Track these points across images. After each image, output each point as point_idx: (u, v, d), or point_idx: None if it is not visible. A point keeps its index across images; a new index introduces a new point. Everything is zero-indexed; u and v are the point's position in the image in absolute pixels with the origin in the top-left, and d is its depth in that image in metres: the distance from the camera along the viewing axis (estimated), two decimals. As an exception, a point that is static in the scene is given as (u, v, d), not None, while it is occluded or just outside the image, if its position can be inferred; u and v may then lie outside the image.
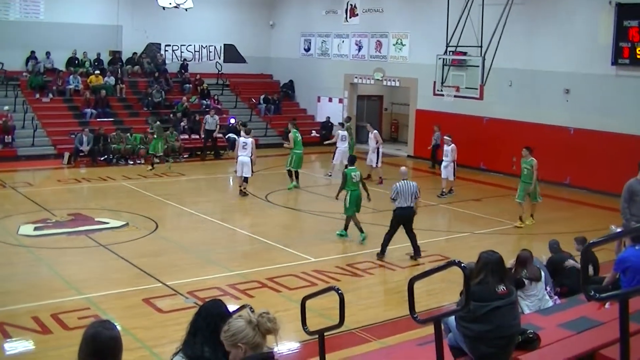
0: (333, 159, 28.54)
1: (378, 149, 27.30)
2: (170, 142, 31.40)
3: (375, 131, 28.00)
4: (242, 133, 24.87)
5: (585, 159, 26.34)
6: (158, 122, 29.90)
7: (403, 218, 17.25)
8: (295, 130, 26.22)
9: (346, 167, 20.64)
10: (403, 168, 18.10)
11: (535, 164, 20.82)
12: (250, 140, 24.27)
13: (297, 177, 25.86)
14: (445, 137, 25.54)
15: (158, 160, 29.62)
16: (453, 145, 24.99)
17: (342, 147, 27.97)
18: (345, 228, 19.14)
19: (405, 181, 17.34)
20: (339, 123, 30.95)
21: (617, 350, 5.98)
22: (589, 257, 10.48)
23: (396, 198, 17.14)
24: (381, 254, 17.38)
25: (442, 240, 19.65)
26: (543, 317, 9.65)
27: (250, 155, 24.02)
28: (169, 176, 28.10)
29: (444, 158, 25.31)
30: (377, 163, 27.27)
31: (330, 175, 28.21)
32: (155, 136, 29.20)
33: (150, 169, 28.69)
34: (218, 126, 32.74)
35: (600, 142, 26.08)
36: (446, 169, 25.12)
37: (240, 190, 24.42)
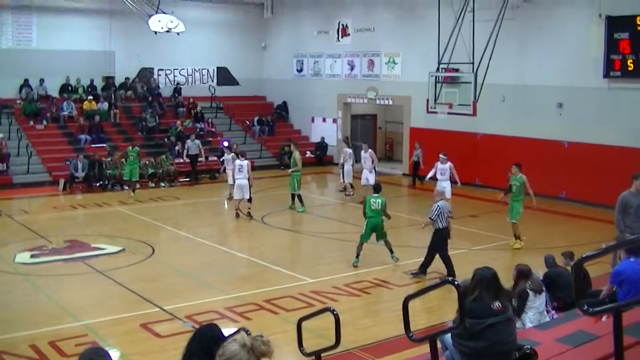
0: (343, 178, 28.76)
1: (374, 168, 27.27)
2: (165, 166, 31.46)
3: (370, 150, 27.93)
4: (236, 155, 24.96)
5: (580, 172, 26.39)
6: (137, 147, 29.73)
7: (440, 239, 17.25)
8: (296, 152, 26.18)
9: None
10: (439, 188, 17.97)
11: (525, 181, 20.57)
12: (246, 162, 24.34)
13: (299, 200, 25.78)
14: (440, 155, 25.14)
15: (139, 186, 29.67)
16: (450, 163, 24.60)
17: (349, 165, 28.30)
18: (357, 255, 18.83)
19: (443, 202, 17.34)
20: (344, 141, 31.21)
21: (613, 363, 6.00)
22: (581, 271, 10.49)
23: (436, 219, 17.11)
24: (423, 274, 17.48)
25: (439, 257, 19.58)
26: (540, 332, 9.66)
27: (247, 177, 24.09)
28: (165, 200, 28.10)
29: (438, 177, 24.50)
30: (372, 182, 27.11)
31: (352, 194, 28.54)
32: (126, 161, 29.12)
33: (132, 196, 28.53)
34: (201, 150, 32.38)
35: (595, 154, 26.15)
36: (447, 190, 24.00)
37: (247, 211, 24.43)
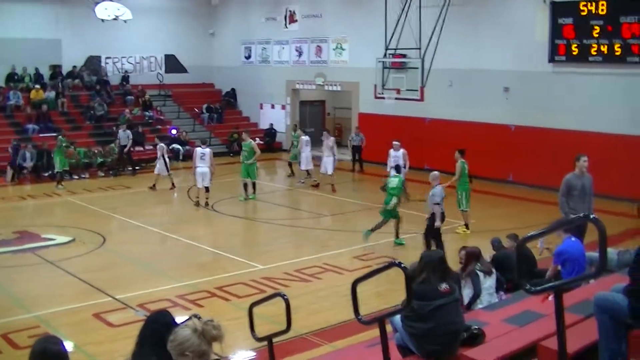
0: (300, 165, 28.80)
1: (333, 155, 27.40)
2: (114, 155, 31.29)
3: (332, 138, 28.07)
4: (200, 144, 24.99)
5: (526, 155, 26.74)
6: (60, 136, 29.54)
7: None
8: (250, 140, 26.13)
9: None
10: (435, 172, 18.06)
11: (459, 167, 20.67)
12: (208, 150, 24.52)
13: (252, 187, 25.81)
14: (394, 142, 25.16)
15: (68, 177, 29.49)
16: (403, 150, 24.75)
17: (307, 152, 28.32)
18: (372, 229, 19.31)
19: (439, 186, 17.46)
20: (301, 129, 31.52)
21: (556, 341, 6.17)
22: (524, 251, 10.70)
23: (441, 203, 17.23)
24: None
25: (390, 241, 19.75)
26: (488, 313, 9.84)
27: (209, 165, 24.12)
28: (114, 189, 27.96)
29: (392, 164, 23.96)
30: (331, 170, 27.26)
31: (304, 182, 28.71)
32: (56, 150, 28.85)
33: (62, 187, 28.22)
34: (131, 140, 31.84)
35: (541, 138, 26.50)
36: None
37: (205, 201, 24.43)
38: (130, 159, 31.93)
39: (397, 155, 24.56)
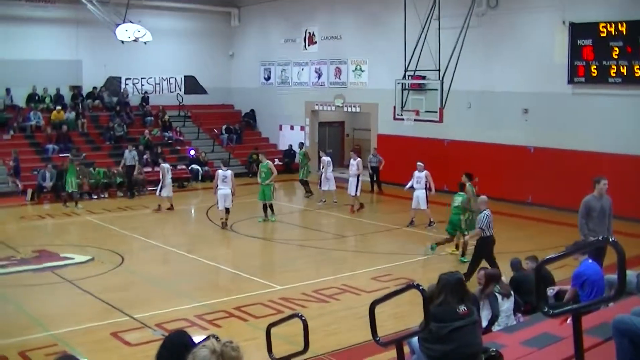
0: (321, 186, 29.03)
1: (358, 176, 27.32)
2: (136, 176, 31.37)
3: (359, 159, 27.98)
4: (221, 166, 24.97)
5: (545, 177, 26.62)
6: (70, 156, 29.69)
7: (490, 246, 17.30)
8: (267, 162, 26.20)
9: None
10: (484, 197, 18.01)
11: (469, 192, 20.33)
12: (229, 172, 24.51)
13: (269, 209, 25.80)
14: (418, 163, 24.95)
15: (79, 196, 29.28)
16: (426, 171, 24.41)
17: (328, 173, 28.76)
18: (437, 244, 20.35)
19: (488, 210, 17.42)
20: (322, 150, 31.58)
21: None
22: (543, 273, 10.67)
23: (485, 228, 17.18)
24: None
25: (408, 263, 19.75)
26: (506, 335, 9.79)
27: (230, 187, 24.18)
28: (133, 209, 28.04)
29: (415, 185, 24.40)
30: (356, 192, 27.19)
31: (325, 202, 29.00)
32: (67, 173, 28.76)
33: (75, 206, 28.28)
34: (137, 161, 31.74)
35: (560, 159, 26.41)
36: (421, 198, 24.35)
37: (223, 222, 24.34)
38: (130, 181, 31.49)
39: (420, 176, 24.31)
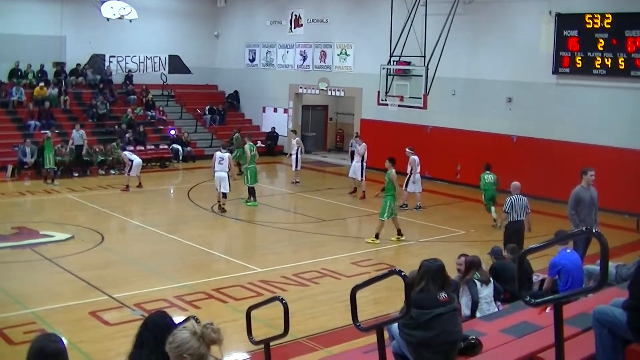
0: (294, 166, 29.42)
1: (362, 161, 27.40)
2: (115, 154, 31.15)
3: (364, 144, 27.81)
4: (220, 148, 24.80)
5: (527, 166, 26.66)
6: (48, 133, 29.50)
7: (516, 232, 17.24)
8: (250, 144, 25.99)
9: None
10: (516, 182, 17.98)
11: (393, 175, 20.21)
12: (227, 155, 24.24)
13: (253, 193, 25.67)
14: (407, 149, 25.35)
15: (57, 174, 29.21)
16: (414, 157, 24.88)
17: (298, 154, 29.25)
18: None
19: (517, 195, 17.36)
20: (292, 130, 32.23)
21: (554, 354, 6.15)
22: (524, 263, 10.70)
23: (510, 211, 17.15)
24: None
25: (388, 249, 19.81)
26: (485, 323, 9.81)
27: (227, 170, 23.96)
28: (114, 188, 27.90)
29: (408, 171, 24.98)
30: (361, 176, 27.28)
31: (299, 183, 29.25)
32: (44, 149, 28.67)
33: (50, 183, 28.26)
34: (85, 141, 31.02)
35: (543, 149, 26.49)
36: (414, 183, 24.93)
37: (219, 206, 24.09)
38: (83, 161, 30.85)
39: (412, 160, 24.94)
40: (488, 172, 23.07)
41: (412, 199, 24.98)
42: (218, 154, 24.27)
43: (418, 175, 24.90)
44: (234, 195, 25.22)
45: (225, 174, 23.88)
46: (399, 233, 20.51)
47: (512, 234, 17.04)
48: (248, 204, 25.22)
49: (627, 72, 23.97)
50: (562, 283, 11.68)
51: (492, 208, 22.46)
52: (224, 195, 24.02)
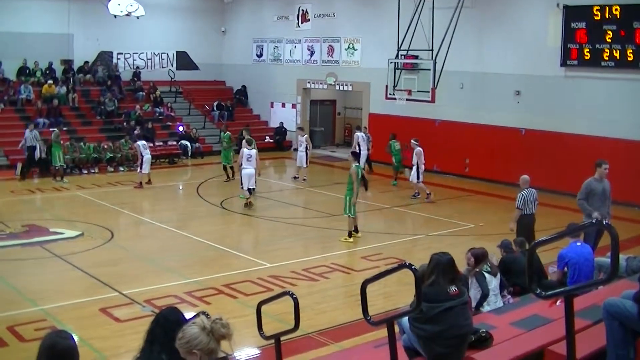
0: (305, 163, 29.49)
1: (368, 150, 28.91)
2: (124, 151, 31.26)
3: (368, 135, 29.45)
4: (245, 145, 24.61)
5: (536, 159, 26.59)
6: (56, 130, 29.43)
7: (527, 226, 17.17)
8: (249, 137, 25.83)
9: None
10: (525, 176, 17.95)
11: (353, 171, 19.77)
12: (254, 152, 24.23)
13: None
14: (412, 141, 25.62)
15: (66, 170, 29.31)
16: (419, 149, 25.14)
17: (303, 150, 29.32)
18: None
19: (528, 189, 17.34)
20: (299, 128, 32.35)
21: (565, 346, 6.14)
22: (534, 256, 10.69)
23: (523, 207, 17.12)
24: None
25: (397, 242, 19.81)
26: (496, 316, 9.80)
27: (255, 166, 24.00)
28: (123, 185, 27.95)
29: (414, 162, 25.30)
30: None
31: (298, 178, 29.36)
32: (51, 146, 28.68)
33: (60, 180, 28.29)
34: (40, 142, 30.01)
35: (551, 142, 26.43)
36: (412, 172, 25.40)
37: (247, 202, 24.03)
38: (30, 163, 29.74)
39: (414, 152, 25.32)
40: (395, 140, 26.36)
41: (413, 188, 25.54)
42: (245, 151, 24.14)
43: (422, 167, 25.03)
44: (233, 192, 25.31)
45: (253, 171, 23.94)
46: (349, 234, 20.04)
47: (524, 227, 17.00)
48: (241, 196, 25.27)
49: (636, 63, 23.87)
50: (569, 276, 11.69)
51: (406, 170, 23.88)
52: (251, 191, 24.08)
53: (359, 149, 27.37)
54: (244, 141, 25.05)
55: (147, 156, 27.30)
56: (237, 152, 25.74)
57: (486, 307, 11.48)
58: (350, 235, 19.92)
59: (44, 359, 4.98)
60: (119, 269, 16.90)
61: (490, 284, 11.86)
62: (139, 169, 27.52)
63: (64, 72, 36.86)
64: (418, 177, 25.02)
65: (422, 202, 24.72)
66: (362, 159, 27.31)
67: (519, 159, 27.11)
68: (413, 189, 25.56)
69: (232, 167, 28.13)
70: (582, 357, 6.88)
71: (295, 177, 29.63)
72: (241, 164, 24.16)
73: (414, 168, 24.99)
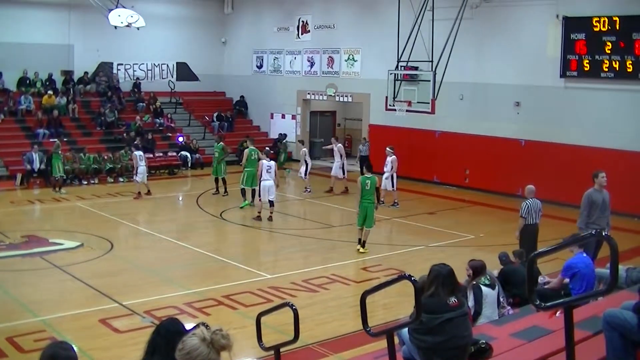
0: (303, 175, 29.40)
1: (343, 164, 28.71)
2: (123, 162, 31.27)
3: (340, 145, 29.07)
4: (264, 156, 24.50)
5: (536, 170, 26.58)
6: (57, 142, 29.47)
7: (531, 235, 17.17)
8: (252, 148, 25.94)
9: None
10: (530, 186, 17.95)
11: (372, 183, 19.65)
12: (273, 163, 24.17)
13: (252, 196, 25.58)
14: (387, 148, 25.82)
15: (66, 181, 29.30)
16: (394, 156, 25.38)
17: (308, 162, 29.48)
18: None
19: (532, 199, 17.34)
20: (299, 141, 33.04)
21: (565, 357, 6.14)
22: (534, 267, 10.69)
23: (527, 216, 17.13)
24: None
25: (397, 254, 19.78)
26: (496, 327, 9.80)
27: (274, 177, 23.84)
28: (123, 195, 27.96)
29: (384, 169, 25.69)
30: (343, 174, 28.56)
31: (309, 192, 29.18)
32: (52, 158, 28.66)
33: (58, 191, 28.27)
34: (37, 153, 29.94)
35: (551, 153, 26.45)
36: (386, 180, 25.55)
37: (259, 215, 23.86)
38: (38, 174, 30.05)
39: (388, 160, 25.86)
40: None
41: (389, 196, 25.88)
42: (265, 162, 23.90)
43: (395, 174, 25.60)
44: (234, 202, 25.30)
45: (272, 182, 23.77)
46: (364, 244, 19.94)
47: (528, 237, 17.01)
48: (241, 206, 25.30)
49: (635, 74, 23.91)
50: (576, 287, 11.64)
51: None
52: (272, 203, 23.86)
53: (342, 159, 28.46)
54: (262, 153, 25.08)
55: (140, 167, 27.23)
56: (234, 163, 25.71)
57: (482, 320, 11.46)
58: (364, 245, 19.79)
59: (44, 369, 4.98)
60: (118, 280, 16.88)
61: (487, 298, 11.83)
62: (134, 176, 27.50)
63: (64, 83, 36.89)
64: (393, 185, 25.58)
65: (420, 213, 24.69)
66: (337, 169, 28.55)
67: (519, 170, 27.12)
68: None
69: (224, 179, 27.94)
70: (582, 368, 6.88)
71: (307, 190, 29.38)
72: (260, 176, 23.97)
73: (387, 175, 25.30)
